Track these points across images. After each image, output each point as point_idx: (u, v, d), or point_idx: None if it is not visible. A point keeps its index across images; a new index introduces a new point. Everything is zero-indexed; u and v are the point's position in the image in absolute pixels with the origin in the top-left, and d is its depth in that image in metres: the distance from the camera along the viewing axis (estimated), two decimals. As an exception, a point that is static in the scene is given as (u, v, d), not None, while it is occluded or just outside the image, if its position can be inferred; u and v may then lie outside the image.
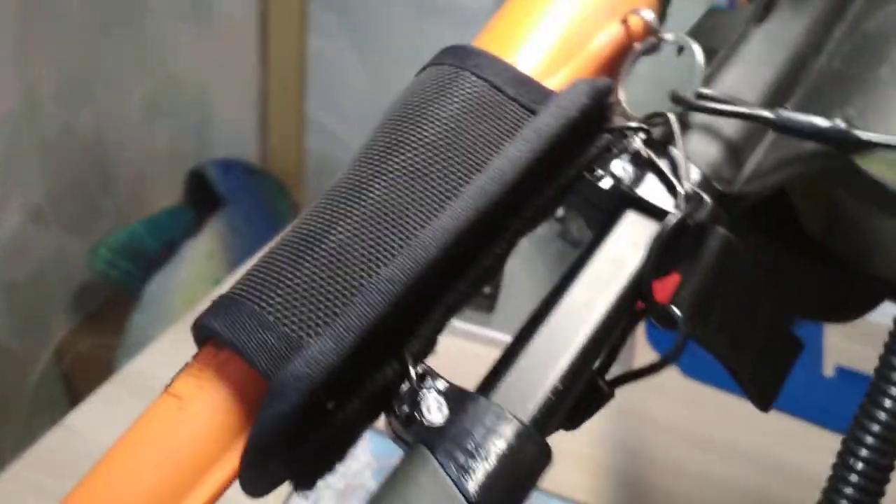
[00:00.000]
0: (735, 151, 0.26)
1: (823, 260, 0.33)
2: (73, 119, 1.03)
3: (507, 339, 0.23)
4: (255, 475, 0.20)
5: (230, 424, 0.20)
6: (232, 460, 0.20)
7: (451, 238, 0.21)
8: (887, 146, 0.23)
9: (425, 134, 0.23)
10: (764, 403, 0.29)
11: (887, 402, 0.24)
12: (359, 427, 0.22)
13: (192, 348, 0.22)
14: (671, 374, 0.60)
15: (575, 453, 0.57)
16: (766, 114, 0.25)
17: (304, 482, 0.21)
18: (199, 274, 1.05)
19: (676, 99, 0.25)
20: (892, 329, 0.25)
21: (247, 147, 1.34)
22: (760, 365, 0.28)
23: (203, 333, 0.22)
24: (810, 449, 0.59)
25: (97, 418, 0.54)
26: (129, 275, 1.06)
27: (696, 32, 0.30)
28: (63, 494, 0.21)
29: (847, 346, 0.69)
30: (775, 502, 0.53)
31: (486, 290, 0.64)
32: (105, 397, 0.56)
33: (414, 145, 0.23)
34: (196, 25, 1.21)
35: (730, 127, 0.26)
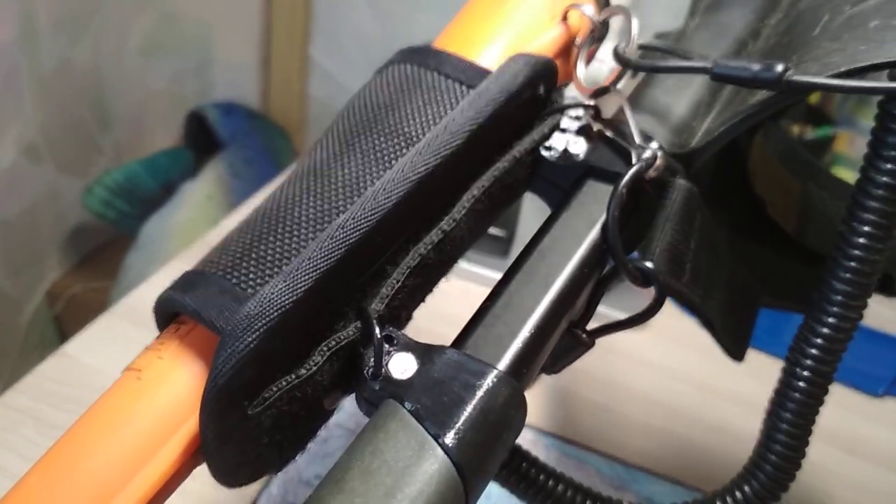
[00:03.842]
0: (685, 119, 0.28)
1: (796, 255, 0.34)
2: (71, 53, 0.99)
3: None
4: (216, 441, 0.19)
5: (190, 391, 0.20)
6: (193, 427, 0.19)
7: (400, 190, 0.22)
8: (822, 85, 0.23)
9: (369, 119, 0.25)
10: (738, 352, 0.30)
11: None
12: (327, 396, 0.21)
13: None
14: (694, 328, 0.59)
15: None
16: (703, 63, 0.25)
17: (273, 460, 0.20)
18: (198, 216, 1.02)
19: (618, 57, 0.26)
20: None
21: (247, 90, 1.30)
22: (729, 315, 0.29)
23: (162, 308, 0.21)
24: (834, 407, 0.58)
25: (95, 347, 0.52)
26: (126, 215, 1.04)
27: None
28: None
29: (870, 307, 0.68)
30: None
31: (501, 233, 0.62)
32: (103, 327, 0.54)
33: (361, 132, 0.24)
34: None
35: (677, 98, 0.28)
